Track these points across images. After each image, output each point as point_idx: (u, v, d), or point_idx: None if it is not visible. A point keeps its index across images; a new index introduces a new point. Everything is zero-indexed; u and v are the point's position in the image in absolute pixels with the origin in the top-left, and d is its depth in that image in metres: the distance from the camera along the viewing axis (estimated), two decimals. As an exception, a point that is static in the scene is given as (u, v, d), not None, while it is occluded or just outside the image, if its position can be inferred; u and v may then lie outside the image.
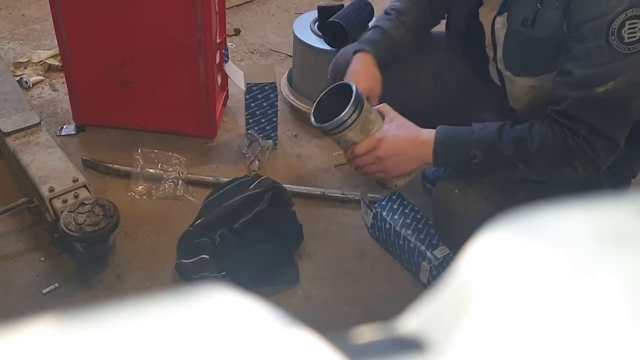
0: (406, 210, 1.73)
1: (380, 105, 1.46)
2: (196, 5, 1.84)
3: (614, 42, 1.19)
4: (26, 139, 1.87)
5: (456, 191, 1.38)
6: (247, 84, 1.97)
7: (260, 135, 2.04)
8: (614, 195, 0.33)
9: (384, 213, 1.73)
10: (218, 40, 2.02)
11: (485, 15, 1.46)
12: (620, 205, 0.32)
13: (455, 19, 1.65)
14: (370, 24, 1.64)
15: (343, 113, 1.37)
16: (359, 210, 1.87)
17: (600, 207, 0.32)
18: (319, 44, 2.13)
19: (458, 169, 1.41)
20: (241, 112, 2.13)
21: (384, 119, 1.43)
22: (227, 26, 2.24)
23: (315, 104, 1.46)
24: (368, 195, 1.83)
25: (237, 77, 2.08)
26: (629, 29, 1.18)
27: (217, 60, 2.02)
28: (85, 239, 1.59)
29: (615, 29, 1.18)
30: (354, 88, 1.39)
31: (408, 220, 1.70)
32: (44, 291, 1.63)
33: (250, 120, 2.03)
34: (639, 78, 1.22)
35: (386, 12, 1.63)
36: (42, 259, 1.71)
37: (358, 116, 1.37)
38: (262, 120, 2.03)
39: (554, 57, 1.30)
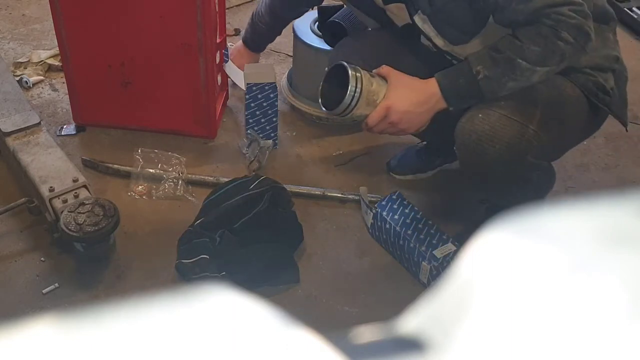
0: (406, 210, 1.73)
1: (382, 68, 1.52)
2: (196, 5, 1.84)
3: None
4: (26, 139, 1.87)
5: (480, 115, 1.44)
6: (247, 84, 1.97)
7: (260, 135, 2.04)
8: (614, 194, 0.33)
9: (384, 213, 1.73)
10: (218, 40, 2.02)
11: (401, 22, 1.59)
12: (620, 205, 0.32)
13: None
14: None
15: (344, 99, 1.44)
16: (359, 210, 1.87)
17: (600, 207, 0.32)
18: (319, 44, 2.13)
19: (470, 97, 1.46)
20: (241, 112, 2.13)
21: (386, 81, 1.50)
22: (227, 26, 2.24)
23: (320, 90, 1.54)
24: (368, 195, 1.83)
25: (237, 77, 2.08)
26: None
27: (217, 60, 2.02)
28: (85, 239, 1.59)
29: None
30: (349, 71, 1.45)
31: (408, 220, 1.70)
32: (44, 291, 1.63)
33: (250, 120, 2.03)
34: None
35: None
36: (42, 259, 1.71)
37: (360, 95, 1.44)
38: (262, 120, 2.03)
39: (470, 8, 1.42)
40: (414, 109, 1.47)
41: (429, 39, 1.57)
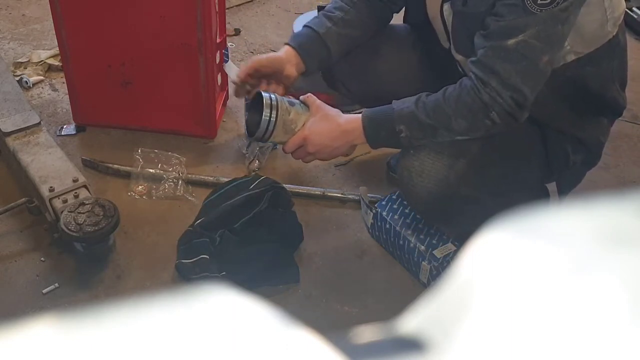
0: (406, 210, 1.73)
1: (306, 96, 1.54)
2: (196, 5, 1.84)
3: (528, 2, 1.29)
4: (26, 139, 1.87)
5: (411, 151, 1.48)
6: (247, 84, 1.97)
7: (260, 135, 2.03)
8: (614, 194, 0.33)
9: (384, 213, 1.73)
10: (218, 40, 2.02)
11: (432, 8, 1.55)
12: (620, 205, 0.32)
13: (411, 18, 1.76)
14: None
15: (259, 127, 1.49)
16: (359, 210, 1.87)
17: (600, 207, 0.32)
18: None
19: (391, 145, 1.54)
20: (241, 112, 2.13)
21: (308, 109, 1.52)
22: (227, 26, 2.24)
23: (246, 117, 1.59)
24: (368, 195, 1.83)
25: (237, 77, 2.07)
26: None
27: (217, 60, 2.02)
28: (85, 239, 1.59)
29: None
30: (263, 100, 1.49)
31: (408, 220, 1.70)
32: (44, 291, 1.63)
33: (250, 120, 2.03)
34: (547, 33, 1.31)
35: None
36: (42, 259, 1.71)
37: (275, 123, 1.48)
38: (262, 120, 2.03)
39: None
40: (330, 142, 1.50)
41: (445, 33, 1.54)
